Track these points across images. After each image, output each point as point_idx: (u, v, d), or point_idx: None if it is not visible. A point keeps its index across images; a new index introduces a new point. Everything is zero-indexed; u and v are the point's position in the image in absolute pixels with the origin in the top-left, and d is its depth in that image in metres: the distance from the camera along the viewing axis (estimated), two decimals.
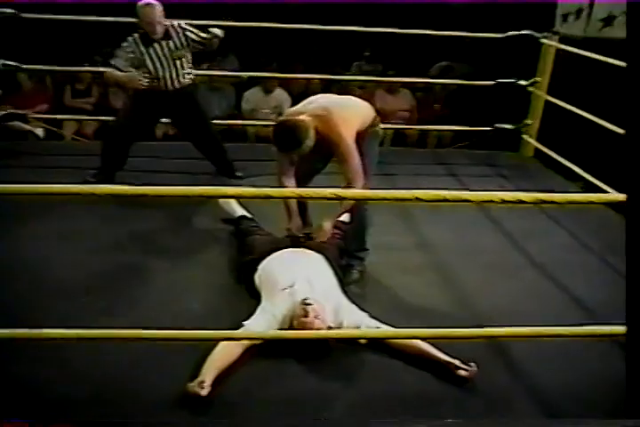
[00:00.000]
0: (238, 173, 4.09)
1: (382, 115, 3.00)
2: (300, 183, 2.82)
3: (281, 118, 2.66)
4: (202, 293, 2.73)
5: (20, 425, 1.46)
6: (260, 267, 2.69)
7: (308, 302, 2.34)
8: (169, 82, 3.67)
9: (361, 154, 2.66)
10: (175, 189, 1.69)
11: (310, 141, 2.57)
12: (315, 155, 2.70)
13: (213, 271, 2.92)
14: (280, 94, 5.70)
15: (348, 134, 2.63)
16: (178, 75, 3.69)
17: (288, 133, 2.53)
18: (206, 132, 3.95)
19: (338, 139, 2.61)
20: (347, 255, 2.96)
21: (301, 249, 2.77)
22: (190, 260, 3.01)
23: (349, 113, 2.69)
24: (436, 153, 5.11)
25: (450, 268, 3.09)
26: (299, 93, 5.68)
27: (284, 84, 5.83)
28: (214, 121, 5.37)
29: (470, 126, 4.95)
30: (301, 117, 2.60)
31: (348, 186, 2.62)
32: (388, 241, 3.24)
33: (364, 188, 2.62)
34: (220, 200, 3.38)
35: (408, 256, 3.17)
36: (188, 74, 3.76)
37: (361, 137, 2.71)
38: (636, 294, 1.28)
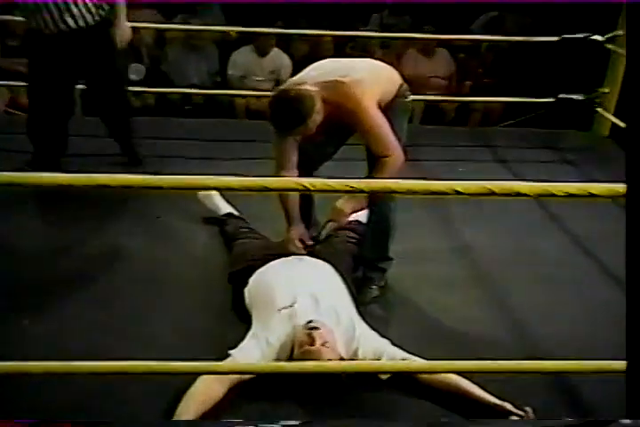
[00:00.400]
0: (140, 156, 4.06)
1: (412, 83, 3.02)
2: (305, 173, 2.83)
3: (278, 88, 2.68)
4: (175, 313, 2.76)
5: (20, 425, 1.73)
6: (252, 280, 2.72)
7: (313, 325, 2.37)
8: (49, 17, 3.50)
9: None
10: (140, 179, 1.70)
11: (317, 116, 2.59)
12: (322, 135, 2.72)
13: (190, 286, 2.95)
14: (277, 57, 5.72)
15: (369, 102, 2.65)
16: (66, 8, 3.50)
17: (287, 107, 2.55)
18: (112, 91, 3.84)
19: (355, 106, 2.62)
20: (363, 266, 2.99)
21: (305, 257, 2.80)
22: (161, 270, 3.04)
23: (367, 79, 2.70)
24: (482, 133, 5.13)
25: (498, 282, 3.11)
26: (303, 56, 5.71)
27: (284, 43, 5.85)
28: (191, 90, 5.50)
29: (526, 97, 4.96)
30: (304, 87, 2.62)
31: (382, 160, 2.65)
32: (417, 247, 3.26)
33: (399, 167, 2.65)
34: (200, 194, 3.41)
35: (443, 267, 3.19)
36: (97, 7, 3.59)
37: (383, 111, 2.72)
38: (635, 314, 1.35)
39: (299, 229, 2.88)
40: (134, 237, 3.30)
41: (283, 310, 2.49)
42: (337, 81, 2.64)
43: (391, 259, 3.02)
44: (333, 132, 2.79)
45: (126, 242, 3.25)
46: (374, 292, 2.94)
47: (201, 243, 3.32)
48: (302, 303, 2.50)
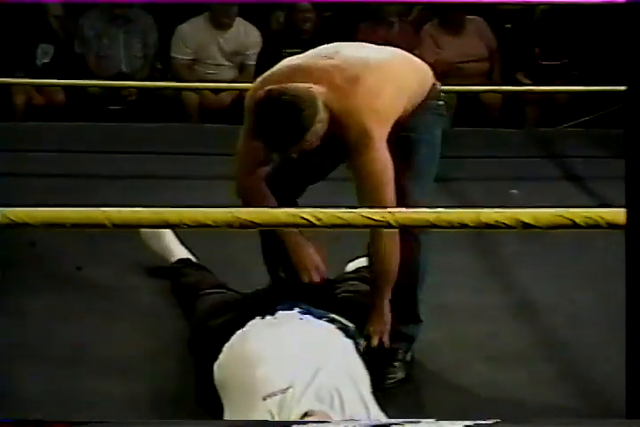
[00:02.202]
0: None
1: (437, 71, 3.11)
2: (290, 195, 2.91)
3: (268, 87, 2.67)
4: (104, 403, 2.77)
5: (19, 425, 2.03)
6: (223, 354, 2.73)
7: (315, 420, 2.38)
8: None
9: (406, 157, 2.78)
10: (62, 212, 1.72)
11: (320, 126, 2.64)
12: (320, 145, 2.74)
13: (125, 365, 2.97)
14: (243, 31, 5.79)
15: (380, 130, 2.71)
16: None
17: (279, 117, 2.59)
18: None
19: (359, 136, 2.68)
20: None
21: (302, 316, 2.82)
22: (81, 347, 3.06)
23: (390, 90, 2.76)
24: (542, 136, 5.20)
25: (576, 352, 3.13)
26: (281, 30, 5.76)
27: (251, 14, 5.92)
28: (119, 82, 5.48)
29: (605, 85, 5.00)
30: (306, 85, 2.67)
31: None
32: (458, 303, 3.31)
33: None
34: (144, 233, 3.45)
35: (497, 330, 3.22)
36: None
37: (408, 119, 2.81)
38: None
39: (314, 260, 2.93)
40: (42, 299, 3.32)
41: (269, 399, 2.49)
42: (352, 89, 2.70)
43: (420, 320, 3.04)
44: (331, 141, 2.81)
45: (29, 306, 3.27)
46: (398, 372, 2.96)
47: (143, 304, 3.34)
48: (298, 387, 2.51)
